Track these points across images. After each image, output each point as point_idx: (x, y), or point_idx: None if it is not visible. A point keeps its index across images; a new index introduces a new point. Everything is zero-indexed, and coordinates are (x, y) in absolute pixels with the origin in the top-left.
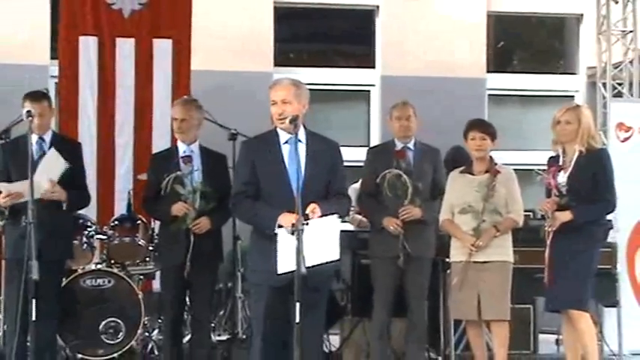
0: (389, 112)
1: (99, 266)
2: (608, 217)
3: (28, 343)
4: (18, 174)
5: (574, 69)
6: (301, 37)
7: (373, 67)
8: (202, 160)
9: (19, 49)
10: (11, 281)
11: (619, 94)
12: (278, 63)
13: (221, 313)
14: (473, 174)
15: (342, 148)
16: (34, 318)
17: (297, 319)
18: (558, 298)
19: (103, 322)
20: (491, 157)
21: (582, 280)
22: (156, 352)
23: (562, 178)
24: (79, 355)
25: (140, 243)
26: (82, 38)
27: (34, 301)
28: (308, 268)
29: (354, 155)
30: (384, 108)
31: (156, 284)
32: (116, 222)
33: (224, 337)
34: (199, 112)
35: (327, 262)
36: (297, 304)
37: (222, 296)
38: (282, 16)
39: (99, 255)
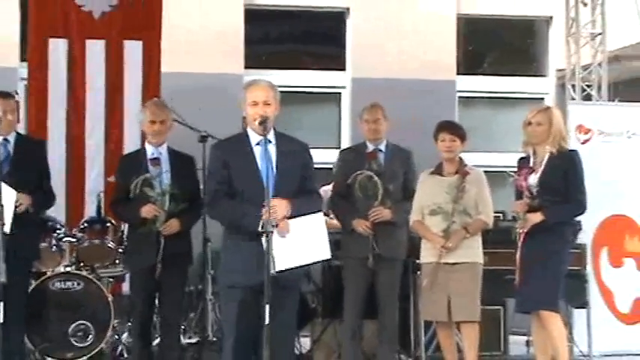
0: (359, 114)
1: (68, 269)
2: (578, 218)
3: None
4: None
5: (544, 71)
6: (272, 39)
7: (344, 69)
8: (171, 162)
9: None
10: None
11: (588, 97)
12: (248, 65)
13: (191, 315)
14: (443, 175)
15: (312, 150)
16: (1, 321)
17: (267, 321)
18: (529, 299)
19: (72, 325)
20: (461, 158)
21: (553, 281)
22: (125, 355)
23: (533, 179)
24: (48, 358)
25: (110, 245)
26: (51, 40)
27: (1, 304)
28: (299, 267)
29: (324, 157)
30: (354, 110)
31: (125, 287)
32: (86, 224)
33: (194, 340)
34: (171, 114)
35: (318, 262)
36: (267, 306)
37: (193, 299)
38: (253, 18)
39: (68, 257)
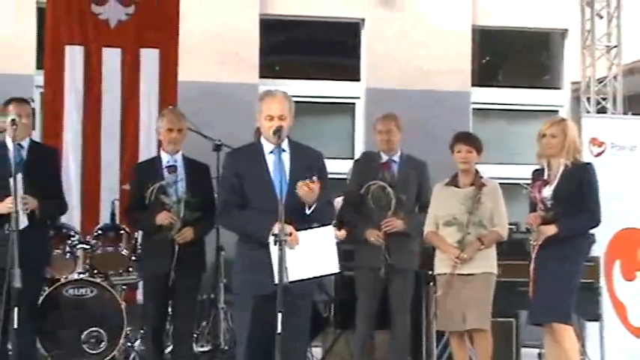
0: (373, 124)
1: (82, 276)
2: (591, 230)
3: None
4: None
5: (558, 84)
6: (287, 49)
7: (358, 79)
8: (186, 170)
9: (5, 58)
10: None
11: (603, 109)
12: (263, 75)
13: (203, 323)
14: (458, 186)
15: (326, 161)
16: (15, 326)
17: (279, 329)
18: (542, 311)
19: (85, 332)
20: (476, 170)
21: (566, 294)
22: None
23: (547, 192)
24: None
25: (123, 253)
26: (68, 47)
27: (16, 309)
28: (307, 279)
29: (338, 167)
30: (368, 120)
31: (139, 295)
32: (100, 231)
33: (206, 348)
34: (187, 123)
35: (327, 275)
36: (280, 315)
37: (205, 307)
38: (268, 28)
39: (82, 264)
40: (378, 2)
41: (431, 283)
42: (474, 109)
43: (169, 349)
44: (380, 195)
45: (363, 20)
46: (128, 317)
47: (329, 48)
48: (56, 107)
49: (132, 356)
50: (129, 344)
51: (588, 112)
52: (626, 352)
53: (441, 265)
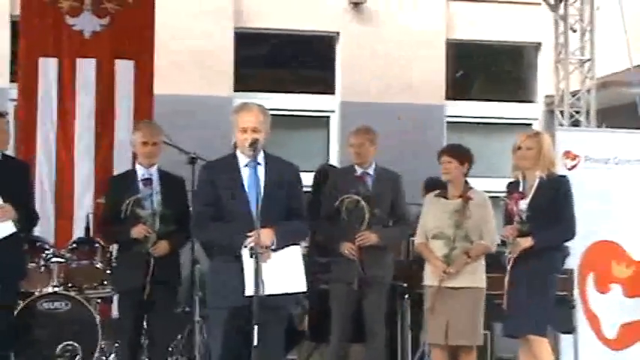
0: (347, 137)
1: (56, 289)
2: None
3: None
4: None
5: (532, 97)
6: (262, 62)
7: (333, 93)
8: (161, 183)
9: None
10: None
11: (576, 123)
12: (238, 88)
13: (179, 337)
14: (447, 198)
15: (301, 174)
16: None
17: (255, 342)
18: (517, 324)
19: (60, 346)
20: (466, 181)
21: (541, 306)
22: None
23: (523, 204)
24: None
25: (98, 266)
26: (41, 60)
27: None
28: (271, 295)
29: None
30: (343, 133)
31: (114, 308)
32: (74, 245)
33: None
34: (162, 136)
35: (295, 293)
36: (256, 327)
37: (181, 320)
38: (243, 41)
39: (56, 278)
40: (352, 16)
41: (406, 296)
42: (448, 122)
43: None
44: (353, 208)
45: (337, 34)
46: (103, 331)
47: (304, 61)
48: (29, 120)
49: None
50: (103, 358)
51: (562, 125)
52: None
53: (430, 277)
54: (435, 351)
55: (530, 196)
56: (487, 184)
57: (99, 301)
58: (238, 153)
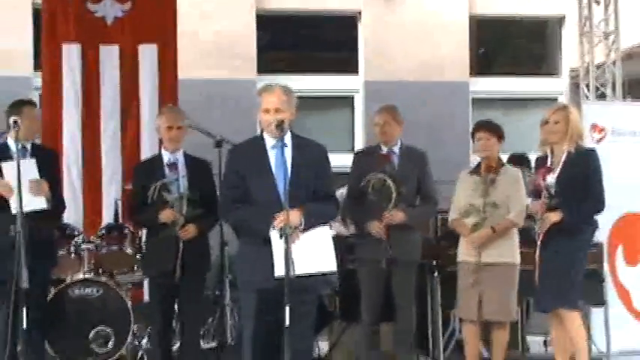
0: (371, 116)
1: (87, 275)
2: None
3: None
4: None
5: (557, 71)
6: (284, 44)
7: (356, 72)
8: (187, 167)
9: (2, 60)
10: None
11: (602, 95)
12: (261, 70)
13: (210, 320)
14: (480, 175)
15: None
16: (24, 326)
17: (287, 323)
18: (548, 298)
19: (93, 331)
20: (499, 157)
21: (572, 280)
22: None
23: (551, 179)
24: None
25: (128, 252)
26: (64, 46)
27: (24, 309)
28: (300, 276)
29: (338, 161)
30: (367, 113)
31: (144, 293)
32: (104, 231)
33: (213, 345)
34: (186, 120)
35: (325, 273)
36: (287, 308)
37: (211, 304)
38: (265, 23)
39: (87, 264)
40: None
41: (434, 274)
42: (473, 98)
43: (176, 346)
44: (380, 187)
45: (360, 13)
46: (135, 316)
47: (327, 42)
48: (55, 108)
49: (139, 355)
50: (136, 343)
51: (587, 98)
52: (631, 336)
53: (464, 253)
54: (467, 326)
55: (558, 170)
56: None
57: (130, 286)
58: (265, 135)
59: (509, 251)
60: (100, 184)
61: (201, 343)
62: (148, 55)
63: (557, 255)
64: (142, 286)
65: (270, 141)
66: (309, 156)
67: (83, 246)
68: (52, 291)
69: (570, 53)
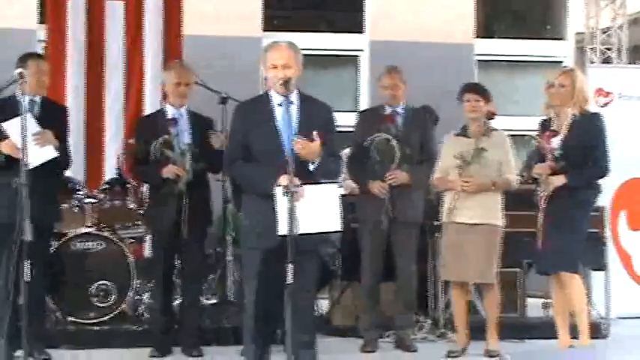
0: (377, 78)
1: (89, 229)
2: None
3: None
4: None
5: (562, 34)
6: (290, 2)
7: (362, 32)
8: (190, 123)
9: (6, 13)
10: (2, 244)
11: (608, 60)
12: (266, 28)
13: (211, 276)
14: (468, 137)
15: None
16: (27, 279)
17: (290, 281)
18: (549, 261)
19: (94, 286)
20: (485, 120)
21: (574, 243)
22: (146, 315)
23: (556, 142)
24: (70, 318)
25: (130, 206)
26: (70, 1)
27: (27, 262)
28: (305, 234)
29: (343, 120)
30: (372, 73)
31: (146, 249)
32: (106, 185)
33: (214, 301)
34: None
35: (327, 232)
36: (290, 266)
37: (212, 260)
38: None
39: (89, 218)
40: None
41: (436, 234)
42: (477, 60)
43: (177, 302)
44: (384, 147)
45: None
46: (136, 271)
47: (332, 0)
48: (59, 61)
49: (140, 310)
50: (137, 297)
51: (593, 62)
52: (631, 301)
53: (446, 214)
54: (455, 290)
55: (563, 133)
56: (517, 123)
57: (132, 241)
58: (271, 92)
59: (494, 212)
60: (103, 138)
61: (202, 299)
62: (153, 10)
63: (560, 218)
64: (144, 242)
65: (276, 98)
66: (315, 114)
67: (86, 200)
68: (55, 244)
69: (576, 17)
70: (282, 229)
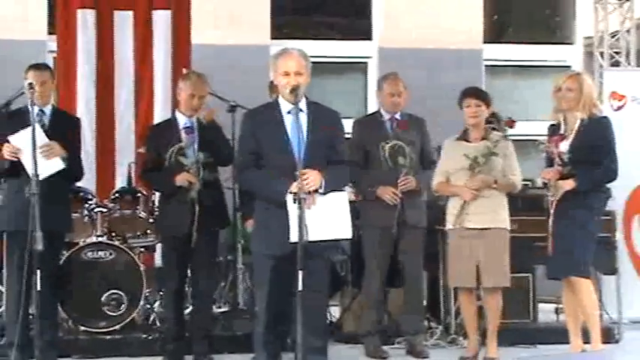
0: (378, 83)
1: (100, 239)
2: (609, 184)
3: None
4: None
5: (571, 39)
6: (298, 9)
7: (370, 38)
8: (200, 132)
9: (17, 23)
10: (12, 254)
11: (616, 64)
12: (275, 35)
13: (222, 284)
14: (469, 141)
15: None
16: (38, 288)
17: (300, 287)
18: (560, 266)
19: (105, 295)
20: (486, 125)
21: (584, 247)
22: (157, 324)
23: (564, 146)
24: (82, 328)
25: (141, 215)
26: (79, 11)
27: (38, 272)
28: (314, 242)
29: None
30: None
31: (157, 258)
32: (117, 194)
33: (225, 309)
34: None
35: (338, 240)
36: (300, 273)
37: (223, 268)
38: None
39: (100, 228)
40: None
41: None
42: (486, 65)
43: (188, 310)
44: (396, 154)
45: None
46: (147, 280)
47: (340, 7)
48: (69, 72)
49: (151, 318)
50: (148, 306)
51: (601, 66)
52: None
53: (452, 220)
54: (464, 296)
55: (571, 137)
56: (525, 128)
57: (142, 250)
58: (280, 99)
59: (501, 216)
60: (114, 147)
61: (213, 308)
62: (161, 21)
63: (570, 222)
64: (154, 250)
65: (285, 106)
66: (324, 122)
67: (96, 209)
68: (65, 254)
69: (585, 21)
70: (294, 236)
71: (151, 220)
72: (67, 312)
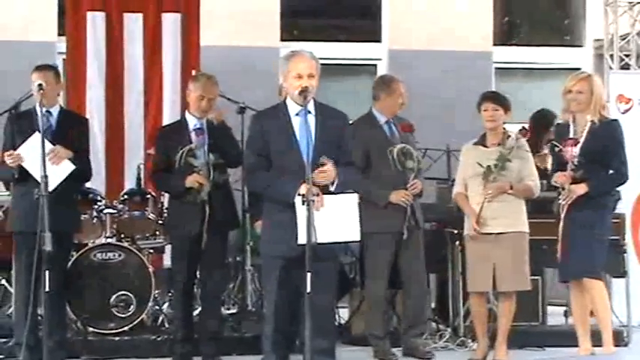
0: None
1: (109, 240)
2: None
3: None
4: None
5: (581, 41)
6: (307, 12)
7: (380, 41)
8: (210, 133)
9: (27, 25)
10: (21, 254)
11: (626, 66)
12: (285, 38)
13: (231, 286)
14: (486, 146)
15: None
16: (47, 289)
17: (309, 289)
18: (572, 268)
19: (114, 296)
20: (504, 129)
21: (596, 250)
22: (166, 325)
23: (575, 149)
24: (90, 329)
25: (150, 217)
26: (89, 14)
27: (47, 272)
28: (322, 244)
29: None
30: None
31: (166, 259)
32: (126, 196)
33: (234, 310)
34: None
35: (346, 242)
36: (309, 275)
37: (232, 270)
38: None
39: (109, 229)
40: None
41: (457, 243)
42: (496, 68)
43: (197, 311)
44: (404, 157)
45: None
46: (156, 281)
47: (350, 10)
48: (78, 74)
49: (160, 319)
50: (157, 307)
51: (611, 69)
52: None
53: (470, 226)
54: (475, 298)
55: (581, 141)
56: None
57: (151, 251)
58: (289, 101)
59: (519, 220)
60: (123, 149)
61: (222, 309)
62: (171, 23)
63: (580, 225)
64: (163, 252)
65: (294, 108)
66: (332, 123)
67: (105, 210)
68: (74, 255)
69: (595, 24)
70: (302, 238)
71: (160, 222)
72: (75, 313)
